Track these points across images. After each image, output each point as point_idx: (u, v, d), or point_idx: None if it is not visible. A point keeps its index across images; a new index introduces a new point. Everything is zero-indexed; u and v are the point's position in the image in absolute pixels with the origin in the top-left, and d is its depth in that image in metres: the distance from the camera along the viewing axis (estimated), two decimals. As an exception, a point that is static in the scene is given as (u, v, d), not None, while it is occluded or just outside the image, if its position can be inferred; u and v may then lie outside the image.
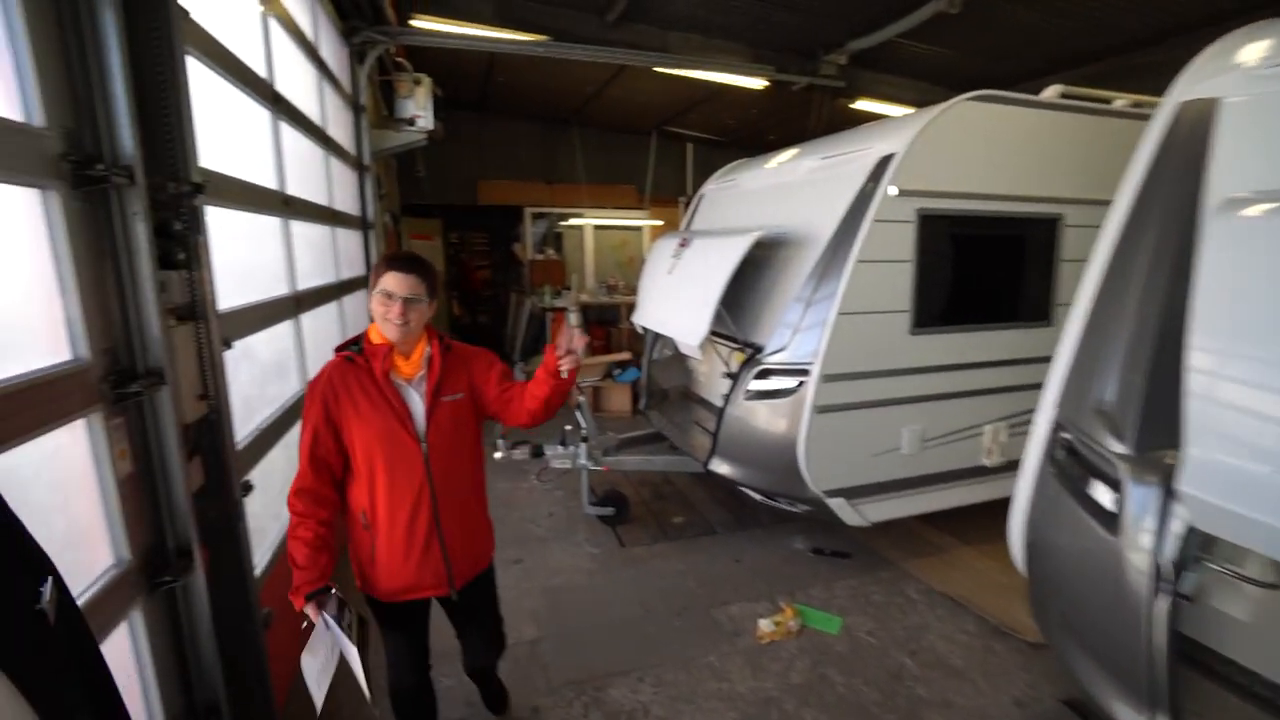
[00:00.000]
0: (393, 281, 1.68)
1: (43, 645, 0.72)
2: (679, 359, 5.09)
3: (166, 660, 1.70)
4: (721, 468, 3.72)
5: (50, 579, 0.76)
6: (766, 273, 3.77)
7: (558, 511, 4.54)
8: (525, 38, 5.73)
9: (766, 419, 3.40)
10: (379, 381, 1.72)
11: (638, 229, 10.37)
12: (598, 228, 10.12)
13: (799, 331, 3.26)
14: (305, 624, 1.71)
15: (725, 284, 3.42)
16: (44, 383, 1.34)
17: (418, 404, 1.78)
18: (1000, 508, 2.63)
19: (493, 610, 2.24)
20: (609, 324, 9.20)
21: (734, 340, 3.79)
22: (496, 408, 1.92)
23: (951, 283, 3.45)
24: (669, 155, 10.68)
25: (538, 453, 4.22)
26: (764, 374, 3.41)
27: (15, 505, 1.31)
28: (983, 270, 3.59)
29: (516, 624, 3.14)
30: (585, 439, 4.14)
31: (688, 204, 5.59)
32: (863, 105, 7.45)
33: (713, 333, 3.60)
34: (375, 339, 1.76)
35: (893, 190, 3.17)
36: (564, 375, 1.80)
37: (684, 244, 4.28)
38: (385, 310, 1.68)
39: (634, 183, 10.63)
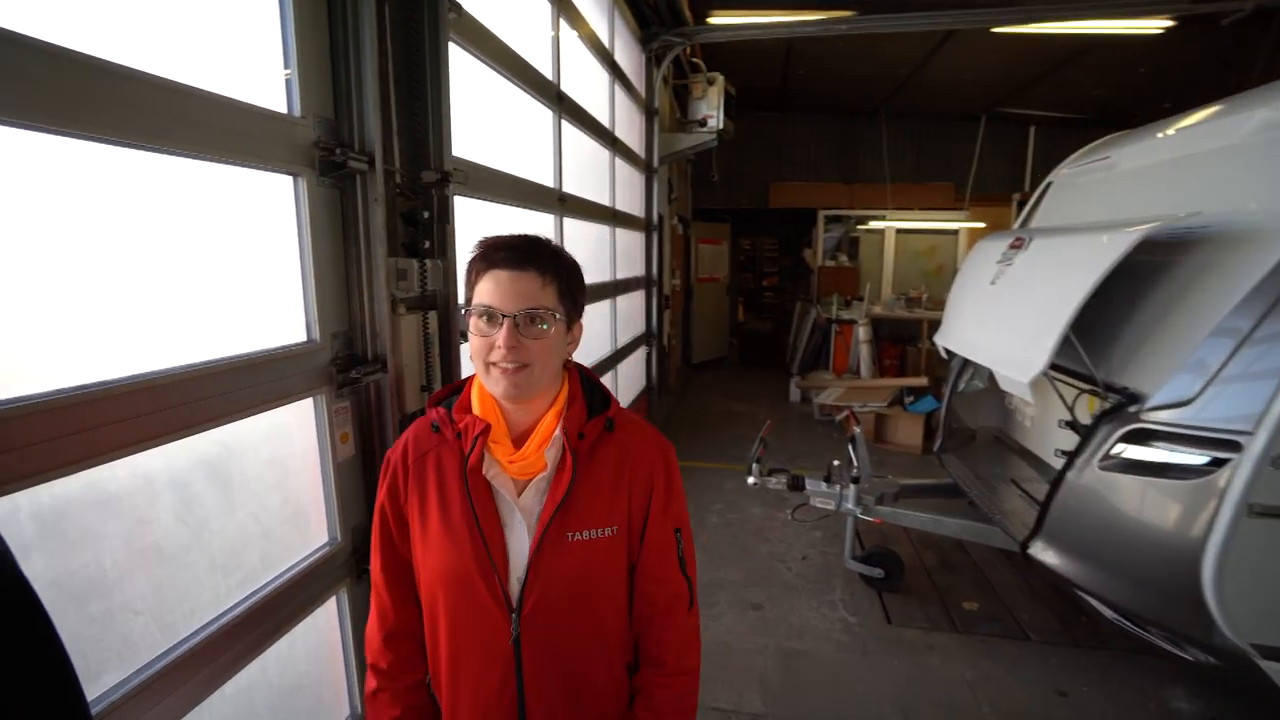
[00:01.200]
0: (491, 288, 0.89)
1: None
2: (994, 392, 3.93)
3: (370, 647, 1.70)
4: (1048, 555, 2.63)
5: None
6: (1154, 286, 2.54)
7: (813, 556, 3.90)
8: (829, 16, 5.13)
9: (1141, 504, 2.24)
10: (465, 478, 0.94)
11: (953, 233, 8.78)
12: (901, 231, 8.87)
13: (1221, 380, 2.04)
14: None
15: (1083, 301, 2.36)
16: (276, 359, 1.37)
17: (521, 536, 0.95)
18: None
19: None
20: (905, 342, 7.98)
21: (1087, 379, 2.65)
22: (636, 588, 1.04)
23: None
24: (1000, 144, 8.82)
25: (796, 485, 3.64)
26: (1141, 436, 2.25)
27: (228, 475, 1.38)
28: None
29: (740, 687, 2.66)
30: (856, 480, 3.42)
31: (1022, 203, 4.32)
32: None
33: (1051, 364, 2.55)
34: (476, 401, 0.98)
35: None
36: None
37: (1018, 245, 3.21)
38: (483, 345, 0.90)
39: (951, 179, 9.05)
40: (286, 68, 1.39)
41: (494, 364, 0.90)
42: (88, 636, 1.04)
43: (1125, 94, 7.34)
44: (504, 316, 0.88)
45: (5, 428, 0.88)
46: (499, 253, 0.90)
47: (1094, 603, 2.56)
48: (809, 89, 8.10)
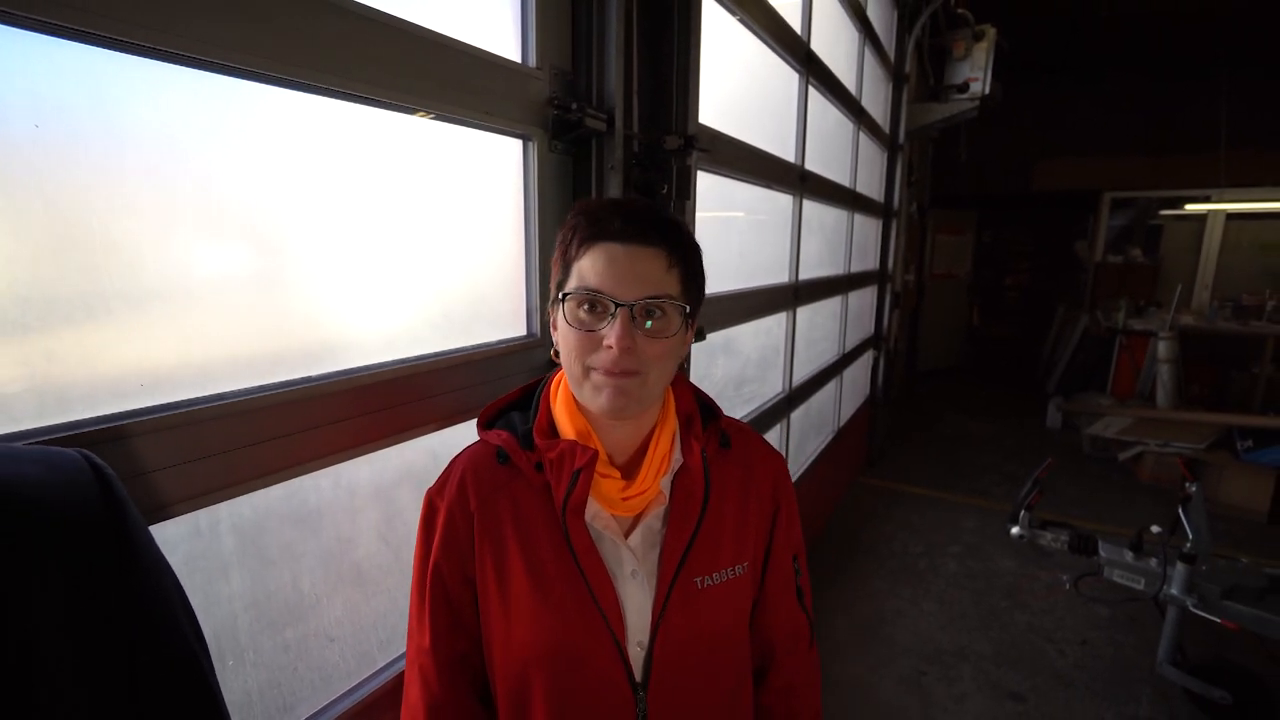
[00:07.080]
0: (601, 267, 0.67)
1: None
2: None
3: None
4: None
5: None
6: None
7: (1098, 644, 2.97)
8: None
9: None
10: (563, 524, 0.71)
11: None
12: (1233, 217, 6.71)
13: None
14: None
15: None
16: (494, 355, 1.18)
17: (637, 589, 0.73)
18: None
19: None
20: (1227, 364, 6.03)
21: None
22: (753, 627, 0.85)
23: None
24: None
25: (1084, 547, 2.77)
26: None
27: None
28: None
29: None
30: (1190, 557, 2.46)
31: None
32: None
33: None
34: (562, 419, 0.75)
35: None
36: None
37: None
38: (585, 343, 0.68)
39: (1328, 144, 6.59)
40: (522, 15, 1.16)
41: (601, 371, 0.68)
42: (282, 665, 0.91)
43: None
44: (618, 306, 0.66)
45: (208, 430, 0.75)
46: (613, 218, 0.68)
47: None
48: (1111, 37, 6.43)
